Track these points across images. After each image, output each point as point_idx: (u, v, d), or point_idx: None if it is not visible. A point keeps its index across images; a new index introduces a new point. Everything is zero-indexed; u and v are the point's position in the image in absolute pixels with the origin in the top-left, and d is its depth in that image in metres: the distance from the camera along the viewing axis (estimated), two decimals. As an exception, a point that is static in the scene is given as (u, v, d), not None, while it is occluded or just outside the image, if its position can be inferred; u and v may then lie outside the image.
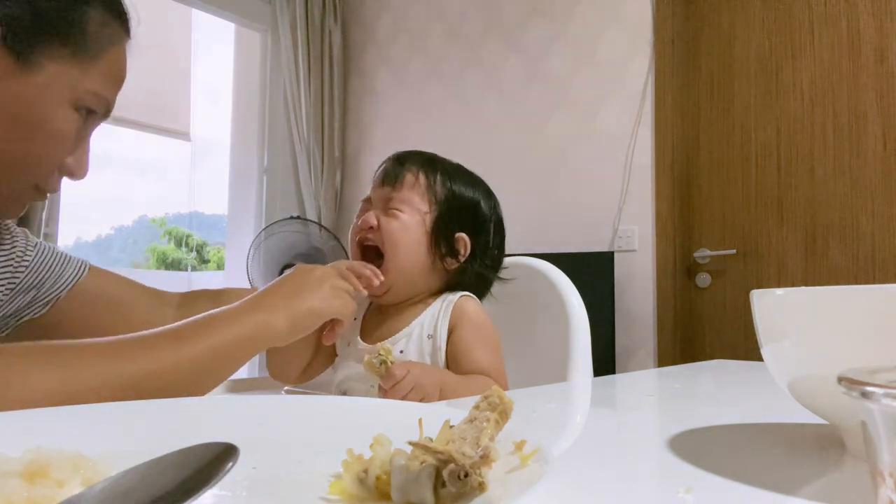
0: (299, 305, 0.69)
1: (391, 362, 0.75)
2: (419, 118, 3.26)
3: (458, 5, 3.17)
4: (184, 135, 4.28)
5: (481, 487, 0.26)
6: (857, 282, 2.23)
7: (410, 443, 0.27)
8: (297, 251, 3.00)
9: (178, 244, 4.90)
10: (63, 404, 0.42)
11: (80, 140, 0.64)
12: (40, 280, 0.79)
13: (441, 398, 0.77)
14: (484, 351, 0.87)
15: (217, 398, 0.47)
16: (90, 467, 0.29)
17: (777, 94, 2.45)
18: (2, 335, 0.80)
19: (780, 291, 0.43)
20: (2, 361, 0.48)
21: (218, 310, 0.64)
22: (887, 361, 0.27)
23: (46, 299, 0.79)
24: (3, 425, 0.36)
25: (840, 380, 0.23)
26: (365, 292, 0.83)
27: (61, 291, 0.80)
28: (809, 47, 2.39)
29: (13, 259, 0.76)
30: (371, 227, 0.87)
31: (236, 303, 0.66)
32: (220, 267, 4.61)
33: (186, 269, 4.79)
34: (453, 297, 0.90)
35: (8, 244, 0.76)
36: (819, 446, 0.44)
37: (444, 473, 0.26)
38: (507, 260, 1.11)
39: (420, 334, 0.88)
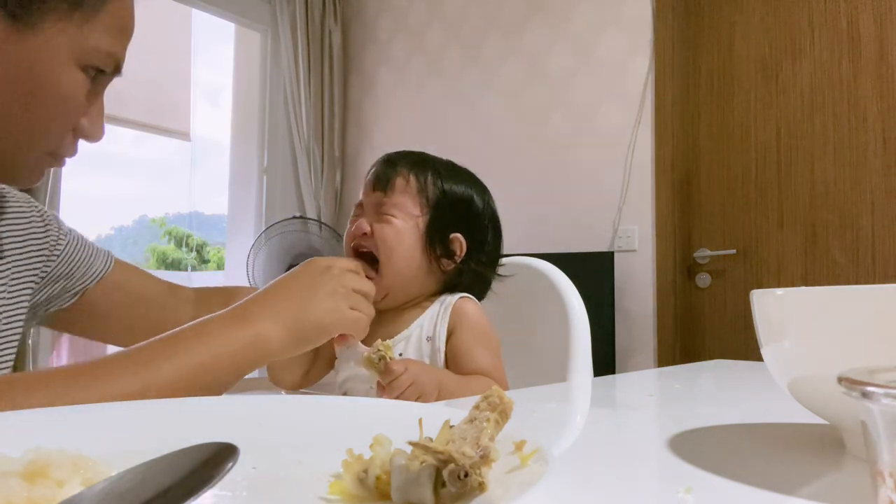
0: (304, 318, 0.62)
1: (389, 358, 0.75)
2: (419, 118, 3.26)
3: (458, 5, 3.17)
4: (184, 135, 4.28)
5: (481, 487, 0.26)
6: (857, 282, 2.23)
7: (410, 443, 0.27)
8: (299, 251, 3.00)
9: (178, 244, 4.90)
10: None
11: (92, 100, 0.60)
12: (70, 270, 0.78)
13: (440, 398, 0.77)
14: (483, 352, 0.87)
15: (217, 398, 0.47)
16: (90, 467, 0.29)
17: (777, 94, 2.45)
18: (33, 324, 0.80)
19: (780, 291, 0.43)
20: None
21: (207, 317, 0.59)
22: (887, 361, 0.27)
23: (76, 290, 0.79)
24: (3, 425, 0.36)
25: (840, 380, 0.23)
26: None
27: (90, 283, 0.80)
28: (809, 47, 2.39)
29: (47, 247, 0.76)
30: (364, 234, 0.87)
31: (231, 308, 0.60)
32: (220, 267, 4.61)
33: (186, 269, 4.79)
34: (452, 299, 0.90)
35: (42, 231, 0.75)
36: (819, 446, 0.44)
37: (444, 473, 0.26)
38: (507, 260, 1.11)
39: (419, 337, 0.88)
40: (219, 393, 0.55)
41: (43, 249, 0.75)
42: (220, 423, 0.40)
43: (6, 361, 0.68)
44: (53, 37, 0.55)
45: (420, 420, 0.32)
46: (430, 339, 0.87)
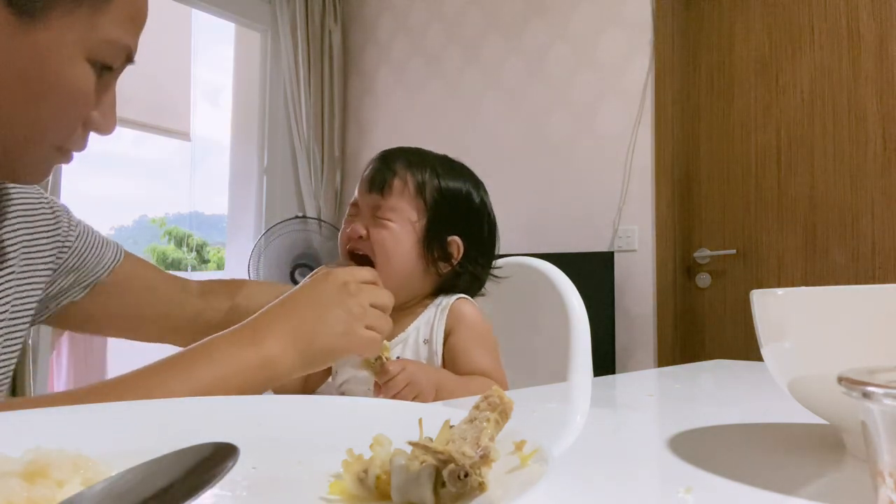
0: (315, 340, 0.59)
1: (387, 358, 0.75)
2: (419, 118, 3.26)
3: (458, 5, 3.17)
4: (184, 135, 4.28)
5: (481, 487, 0.26)
6: (857, 282, 2.23)
7: (410, 443, 0.27)
8: (300, 251, 3.00)
9: (178, 244, 4.91)
10: None
11: (103, 92, 0.58)
12: (82, 262, 0.77)
13: (439, 398, 0.77)
14: (482, 353, 0.87)
15: (217, 398, 0.47)
16: (90, 467, 0.29)
17: (777, 94, 2.45)
18: (44, 318, 0.79)
19: (780, 291, 0.43)
20: None
21: (215, 336, 0.58)
22: (887, 361, 0.27)
23: (87, 282, 0.79)
24: (3, 425, 0.36)
25: (840, 380, 0.23)
26: None
27: (101, 275, 0.79)
28: (809, 47, 2.39)
29: (59, 238, 0.75)
30: (360, 238, 0.86)
31: (242, 325, 0.59)
32: (220, 267, 4.61)
33: (186, 269, 4.80)
34: (448, 301, 0.89)
35: (52, 223, 0.74)
36: (819, 446, 0.44)
37: (444, 473, 0.26)
38: (507, 260, 1.11)
39: (416, 339, 0.88)
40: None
41: (55, 242, 0.74)
42: (220, 423, 0.40)
43: (10, 360, 0.68)
44: (61, 31, 0.53)
45: (420, 420, 0.32)
46: (428, 341, 0.87)
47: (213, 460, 0.26)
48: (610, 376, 1.08)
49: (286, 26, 3.34)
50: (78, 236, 0.78)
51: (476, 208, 0.92)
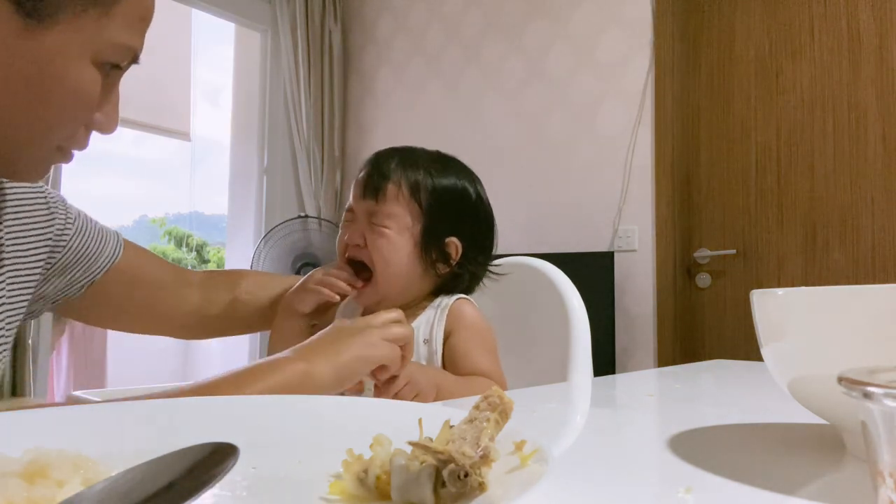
0: (344, 354, 0.66)
1: None
2: (419, 118, 3.26)
3: (458, 5, 3.17)
4: (184, 135, 4.28)
5: (481, 487, 0.26)
6: (857, 282, 2.23)
7: (410, 443, 0.27)
8: (301, 250, 3.00)
9: (178, 244, 4.90)
10: None
11: (106, 93, 0.58)
12: (77, 259, 0.76)
13: (439, 398, 0.77)
14: (482, 352, 0.87)
15: (217, 398, 0.47)
16: (90, 467, 0.29)
17: (777, 94, 2.45)
18: (43, 312, 0.78)
19: (780, 291, 0.43)
20: None
21: (257, 362, 0.63)
22: (887, 361, 0.27)
23: (83, 281, 0.78)
24: (3, 425, 0.36)
25: (840, 380, 0.23)
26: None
27: (98, 274, 0.79)
28: (809, 47, 2.39)
29: (51, 237, 0.73)
30: (357, 245, 0.86)
31: (277, 355, 0.65)
32: (219, 267, 4.61)
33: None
34: (448, 301, 0.89)
35: (47, 220, 0.73)
36: (819, 446, 0.44)
37: (444, 473, 0.26)
38: (507, 260, 1.11)
39: (416, 339, 0.87)
40: None
41: (47, 240, 0.73)
42: (220, 423, 0.40)
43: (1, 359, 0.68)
44: (69, 33, 0.52)
45: (420, 420, 0.32)
46: (428, 341, 0.87)
47: (213, 460, 0.26)
48: (610, 376, 1.08)
49: (286, 26, 3.34)
50: (76, 231, 0.76)
51: (472, 205, 0.91)
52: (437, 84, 3.22)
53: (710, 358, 1.37)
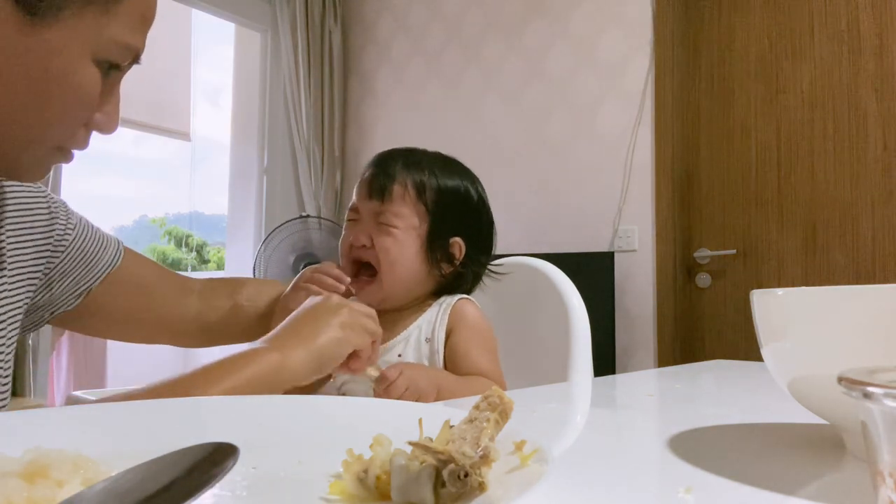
0: (321, 337, 0.65)
1: (378, 368, 0.75)
2: (419, 118, 3.26)
3: (458, 5, 3.17)
4: (184, 135, 4.28)
5: (481, 487, 0.26)
6: (857, 282, 2.23)
7: (410, 443, 0.27)
8: (301, 249, 3.01)
9: (178, 244, 4.91)
10: None
11: (107, 93, 0.57)
12: (74, 265, 0.76)
13: (439, 399, 0.77)
14: (482, 353, 0.87)
15: (217, 398, 0.47)
16: (90, 467, 0.29)
17: (777, 94, 2.45)
18: (41, 326, 0.78)
19: (780, 291, 0.43)
20: None
21: (230, 354, 0.61)
22: (887, 361, 0.27)
23: (79, 290, 0.77)
24: (3, 425, 0.36)
25: (840, 380, 0.23)
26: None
27: (94, 283, 0.78)
28: (809, 47, 2.39)
29: (50, 244, 0.73)
30: (363, 246, 0.86)
31: (250, 344, 0.64)
32: (220, 267, 4.61)
33: (186, 269, 4.79)
34: (451, 301, 0.90)
35: (47, 225, 0.72)
36: (819, 446, 0.44)
37: (444, 473, 0.26)
38: (508, 260, 1.11)
39: (418, 338, 0.88)
40: None
41: (46, 246, 0.73)
42: (220, 423, 0.40)
43: (6, 366, 0.67)
44: (70, 31, 0.52)
45: (420, 420, 0.32)
46: (429, 340, 0.88)
47: (213, 460, 0.26)
48: (610, 376, 1.08)
49: (286, 26, 3.34)
50: (75, 238, 0.76)
51: (475, 206, 0.92)
52: (437, 84, 3.22)
53: (710, 358, 1.37)
